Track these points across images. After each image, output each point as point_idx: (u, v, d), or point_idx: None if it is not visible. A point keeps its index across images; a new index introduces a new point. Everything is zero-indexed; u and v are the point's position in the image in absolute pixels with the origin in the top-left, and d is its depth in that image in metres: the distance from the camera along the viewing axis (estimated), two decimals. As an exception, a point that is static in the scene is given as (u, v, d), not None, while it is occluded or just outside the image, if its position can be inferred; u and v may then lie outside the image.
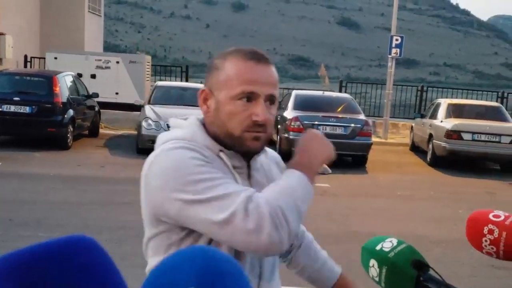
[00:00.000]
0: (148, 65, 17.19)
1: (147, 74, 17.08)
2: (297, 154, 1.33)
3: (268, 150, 1.51)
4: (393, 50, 15.70)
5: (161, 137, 1.37)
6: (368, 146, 10.86)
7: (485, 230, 1.07)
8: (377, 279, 1.08)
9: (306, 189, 1.25)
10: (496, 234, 1.06)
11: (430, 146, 11.76)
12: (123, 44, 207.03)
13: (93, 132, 13.06)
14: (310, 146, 1.35)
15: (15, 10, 18.07)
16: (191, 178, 1.20)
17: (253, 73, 1.29)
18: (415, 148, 13.70)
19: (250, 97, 1.28)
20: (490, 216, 1.08)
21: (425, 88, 18.67)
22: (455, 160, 11.43)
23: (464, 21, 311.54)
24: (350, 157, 11.34)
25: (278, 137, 11.18)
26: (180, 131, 1.36)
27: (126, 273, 0.73)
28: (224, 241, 1.19)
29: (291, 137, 10.55)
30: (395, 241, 1.09)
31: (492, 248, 1.07)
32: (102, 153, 10.84)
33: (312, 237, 1.69)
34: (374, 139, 11.91)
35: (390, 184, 9.61)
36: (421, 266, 1.05)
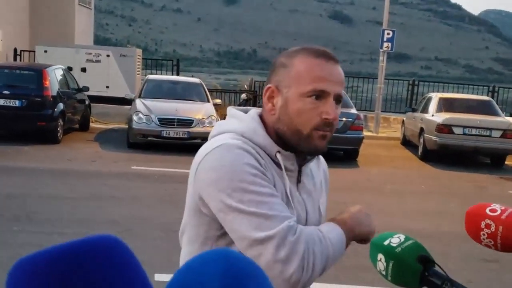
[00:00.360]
0: (139, 58, 17.11)
1: (138, 68, 16.99)
2: (346, 214, 1.33)
3: (320, 156, 1.51)
4: (385, 44, 15.71)
5: (219, 126, 1.36)
6: (359, 140, 10.87)
7: (483, 224, 1.11)
8: (384, 272, 1.12)
9: (340, 249, 1.25)
10: (493, 228, 1.09)
11: (421, 140, 11.79)
12: (113, 38, 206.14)
13: (84, 126, 12.99)
14: (361, 217, 1.34)
15: (4, 2, 17.90)
16: (240, 185, 1.19)
17: (324, 71, 1.27)
18: (406, 142, 13.74)
19: (320, 95, 1.27)
20: (487, 210, 1.12)
21: (416, 82, 18.72)
22: (446, 154, 11.47)
23: (456, 15, 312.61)
24: (342, 151, 11.36)
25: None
26: (239, 124, 1.33)
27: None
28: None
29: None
30: (402, 237, 1.13)
31: (490, 241, 1.11)
32: (93, 147, 10.77)
33: None
34: (365, 133, 11.92)
35: (381, 178, 9.63)
36: (426, 261, 1.09)
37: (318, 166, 1.48)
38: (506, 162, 11.54)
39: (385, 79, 16.56)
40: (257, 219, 1.17)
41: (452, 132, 11.03)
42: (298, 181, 1.36)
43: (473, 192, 8.66)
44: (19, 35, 19.15)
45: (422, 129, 11.87)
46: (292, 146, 1.30)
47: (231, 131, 1.31)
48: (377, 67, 16.64)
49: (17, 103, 10.55)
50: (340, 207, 5.78)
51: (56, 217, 5.95)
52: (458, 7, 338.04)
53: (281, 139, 1.31)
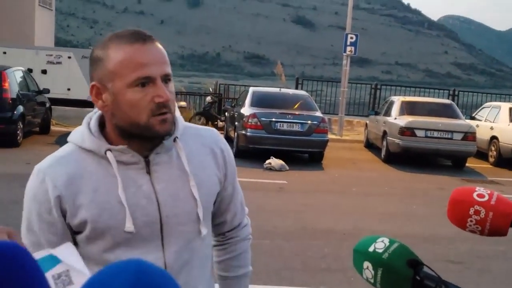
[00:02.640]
0: (101, 60, 16.84)
1: (101, 70, 16.72)
2: None
3: (208, 133, 1.44)
4: (348, 48, 15.87)
5: (71, 133, 1.38)
6: (324, 143, 10.93)
7: (471, 211, 1.09)
8: (372, 280, 1.06)
9: None
10: (482, 214, 1.07)
11: (384, 143, 11.93)
12: (75, 40, 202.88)
13: (44, 129, 12.70)
14: None
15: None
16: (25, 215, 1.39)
17: (143, 56, 1.21)
18: (370, 145, 13.89)
19: (146, 81, 1.22)
20: (475, 196, 1.10)
21: (379, 86, 18.98)
22: (409, 157, 11.64)
23: (415, 20, 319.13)
24: (307, 154, 11.40)
25: (236, 134, 11.12)
26: (75, 132, 1.35)
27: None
28: None
29: (248, 134, 10.51)
30: (387, 241, 1.07)
31: (477, 227, 1.09)
32: (53, 151, 10.49)
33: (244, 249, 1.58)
34: (329, 136, 12.00)
35: (345, 180, 9.69)
36: (416, 264, 1.05)
37: (202, 145, 1.40)
38: (466, 164, 11.77)
39: (348, 83, 16.72)
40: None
41: (415, 135, 11.20)
42: (149, 171, 1.30)
43: (435, 194, 8.78)
44: (-24, 35, 18.62)
45: (385, 132, 12.01)
46: (136, 136, 1.27)
47: (71, 140, 1.34)
48: (339, 71, 16.80)
49: (-26, 105, 10.23)
50: (305, 209, 5.77)
51: (14, 223, 5.77)
52: (418, 13, 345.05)
53: (124, 132, 1.28)
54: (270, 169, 9.85)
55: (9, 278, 0.50)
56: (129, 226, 1.26)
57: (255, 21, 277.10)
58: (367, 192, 8.79)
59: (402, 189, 9.24)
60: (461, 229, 1.11)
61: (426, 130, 11.23)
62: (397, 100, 12.69)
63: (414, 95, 17.76)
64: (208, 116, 15.70)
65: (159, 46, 1.25)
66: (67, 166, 1.29)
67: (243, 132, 10.64)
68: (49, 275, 0.60)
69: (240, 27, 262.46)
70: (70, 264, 0.61)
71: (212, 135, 1.45)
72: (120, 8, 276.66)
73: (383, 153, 12.06)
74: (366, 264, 1.06)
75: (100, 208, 1.26)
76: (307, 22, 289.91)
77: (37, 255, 0.62)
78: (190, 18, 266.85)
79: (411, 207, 7.75)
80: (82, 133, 1.31)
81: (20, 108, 10.76)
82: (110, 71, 1.23)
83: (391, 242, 1.07)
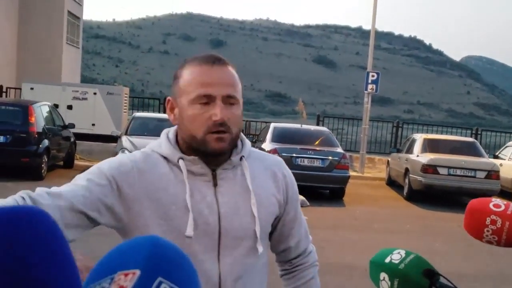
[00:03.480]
0: (126, 96, 17.14)
1: (125, 106, 17.01)
2: None
3: (271, 158, 1.52)
4: (369, 86, 15.93)
5: (150, 143, 1.45)
6: (345, 179, 10.88)
7: (488, 221, 1.09)
8: None
9: None
10: (499, 224, 1.08)
11: (407, 180, 11.84)
12: (100, 78, 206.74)
13: (68, 163, 12.87)
14: None
15: (-8, 40, 17.97)
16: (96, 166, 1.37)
17: (207, 76, 1.32)
18: (392, 182, 13.78)
19: (207, 100, 1.31)
20: (491, 206, 1.10)
21: (400, 124, 18.92)
22: (431, 194, 11.51)
23: (437, 60, 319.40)
24: (328, 190, 11.35)
25: (256, 169, 11.14)
26: (154, 142, 1.44)
27: None
28: None
29: (269, 169, 10.54)
30: (403, 252, 1.09)
31: (494, 238, 1.09)
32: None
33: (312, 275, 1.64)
34: (351, 173, 11.95)
35: (367, 217, 9.61)
36: (432, 274, 1.05)
37: (264, 168, 1.46)
38: (490, 203, 11.60)
39: (369, 120, 16.72)
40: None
41: (437, 173, 11.10)
42: (215, 184, 1.37)
43: (457, 232, 8.63)
44: (5, 71, 19.17)
45: (407, 169, 11.93)
46: (197, 150, 1.36)
47: (145, 148, 1.43)
48: (360, 110, 16.82)
49: (1, 138, 10.46)
50: (326, 245, 5.76)
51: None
52: (439, 53, 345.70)
53: (190, 146, 1.37)
54: (291, 204, 9.79)
55: (25, 242, 0.52)
56: (189, 231, 1.31)
57: (277, 61, 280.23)
58: (388, 229, 8.70)
59: (424, 226, 9.12)
60: (478, 239, 1.12)
61: (449, 168, 11.13)
62: (420, 138, 12.64)
63: (437, 134, 17.68)
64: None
65: (229, 69, 1.36)
66: (145, 162, 1.37)
67: (264, 167, 10.65)
68: None
69: (262, 66, 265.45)
70: None
71: (276, 160, 1.53)
72: (145, 47, 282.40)
73: (405, 190, 11.95)
74: (383, 275, 1.08)
75: (166, 207, 1.32)
76: (328, 61, 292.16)
77: None
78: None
79: (433, 244, 7.64)
80: (160, 141, 1.41)
81: (46, 142, 10.96)
82: (180, 88, 1.36)
83: (407, 254, 1.09)
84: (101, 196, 1.29)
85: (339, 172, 10.77)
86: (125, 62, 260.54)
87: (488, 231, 1.09)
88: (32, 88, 15.79)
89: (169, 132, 1.44)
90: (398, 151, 13.70)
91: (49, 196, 1.23)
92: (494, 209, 1.09)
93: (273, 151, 10.67)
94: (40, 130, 10.94)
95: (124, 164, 1.35)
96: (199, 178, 1.36)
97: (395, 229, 8.72)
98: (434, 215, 10.28)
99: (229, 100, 1.33)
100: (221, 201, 1.36)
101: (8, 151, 10.42)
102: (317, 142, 11.29)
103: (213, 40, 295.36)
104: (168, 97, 1.42)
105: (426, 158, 11.40)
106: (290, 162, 10.61)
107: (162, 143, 1.40)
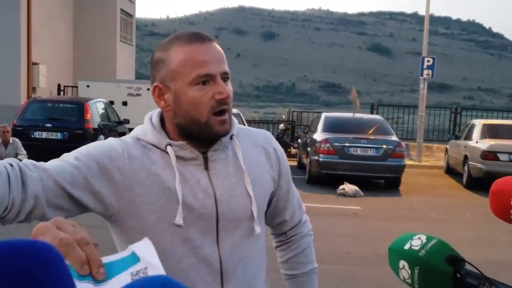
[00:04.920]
0: (178, 91, 17.34)
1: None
2: None
3: (259, 133, 1.47)
4: (425, 72, 15.50)
5: (133, 130, 1.40)
6: (401, 168, 10.60)
7: None
8: (409, 281, 0.97)
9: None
10: None
11: (466, 168, 11.44)
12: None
13: (124, 158, 13.13)
14: None
15: (48, 39, 18.53)
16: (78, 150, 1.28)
17: (202, 55, 1.26)
18: (450, 171, 13.36)
19: (206, 79, 1.26)
20: None
21: (459, 110, 18.31)
22: (492, 182, 11.06)
23: (498, 44, 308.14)
24: (383, 180, 11.10)
25: (308, 160, 11.03)
26: (138, 128, 1.38)
27: None
28: None
29: (321, 159, 10.39)
30: (424, 238, 0.98)
31: None
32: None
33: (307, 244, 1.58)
34: (407, 162, 11.66)
35: (424, 206, 9.33)
36: (456, 261, 0.95)
37: (254, 145, 1.42)
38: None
39: (426, 107, 16.26)
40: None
41: (498, 159, 10.66)
42: (207, 167, 1.33)
43: (522, 220, 8.28)
44: (62, 71, 19.76)
45: (466, 157, 11.52)
46: (196, 135, 1.31)
47: (132, 135, 1.36)
48: (417, 97, 16.38)
49: (59, 135, 10.78)
50: (380, 235, 5.58)
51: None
52: (500, 36, 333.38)
53: (184, 131, 1.31)
54: (344, 195, 9.64)
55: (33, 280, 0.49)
56: (178, 219, 1.27)
57: (330, 51, 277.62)
58: (447, 218, 8.41)
59: (485, 215, 8.74)
60: (506, 222, 1.02)
61: (510, 153, 10.67)
62: (478, 123, 12.18)
63: (497, 119, 17.00)
64: (280, 143, 15.67)
65: (217, 46, 1.31)
66: (136, 147, 1.32)
67: (316, 157, 10.53)
68: (128, 272, 0.59)
69: (315, 57, 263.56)
70: (148, 261, 0.61)
71: (265, 135, 1.48)
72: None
73: (464, 178, 11.55)
74: (402, 263, 0.98)
75: (158, 194, 1.28)
76: (383, 49, 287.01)
77: (120, 254, 0.62)
78: (266, 50, 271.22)
79: (495, 233, 7.32)
80: (145, 128, 1.35)
81: (101, 138, 11.20)
82: (171, 71, 1.28)
83: (429, 239, 0.98)
84: (89, 177, 1.23)
85: (394, 161, 10.51)
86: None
87: None
88: (88, 86, 16.19)
89: (152, 116, 1.37)
90: (457, 138, 13.26)
91: (35, 168, 1.18)
92: None
93: (325, 141, 10.52)
94: (96, 126, 11.21)
95: (114, 148, 1.29)
96: (190, 162, 1.32)
97: (454, 218, 8.43)
98: (495, 203, 9.89)
99: (225, 76, 1.29)
100: (216, 183, 1.32)
101: (65, 148, 10.54)
102: (370, 131, 11.05)
103: (265, 32, 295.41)
104: (155, 84, 1.32)
105: (486, 144, 10.97)
106: (342, 152, 10.42)
107: (147, 131, 1.34)
